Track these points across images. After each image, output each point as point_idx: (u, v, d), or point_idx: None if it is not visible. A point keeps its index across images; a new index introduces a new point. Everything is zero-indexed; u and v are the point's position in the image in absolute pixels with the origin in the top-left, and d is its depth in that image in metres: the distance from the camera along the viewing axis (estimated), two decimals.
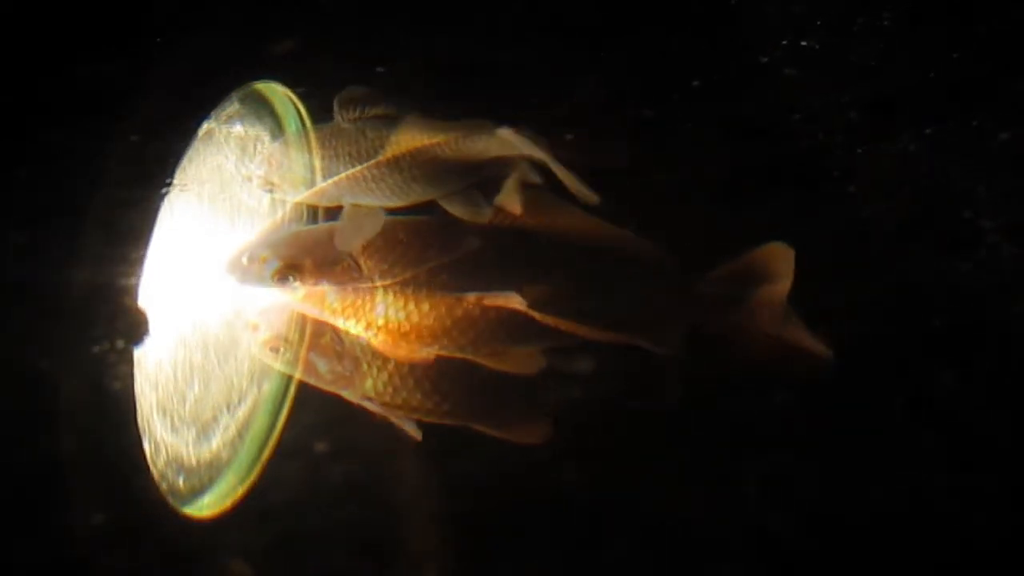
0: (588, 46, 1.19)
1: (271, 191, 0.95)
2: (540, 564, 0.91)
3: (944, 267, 1.00)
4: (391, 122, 0.95)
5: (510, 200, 0.92)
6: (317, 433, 0.96)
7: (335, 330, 0.88)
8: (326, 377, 0.89)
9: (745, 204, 1.04)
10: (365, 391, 0.88)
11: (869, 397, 0.93)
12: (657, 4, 1.25)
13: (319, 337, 0.88)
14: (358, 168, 0.93)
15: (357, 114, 0.95)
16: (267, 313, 0.91)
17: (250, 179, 0.95)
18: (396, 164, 0.93)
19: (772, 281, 0.87)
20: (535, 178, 0.94)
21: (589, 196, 0.90)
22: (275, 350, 0.89)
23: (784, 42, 1.19)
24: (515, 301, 0.84)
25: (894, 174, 1.06)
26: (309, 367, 0.89)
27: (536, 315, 0.84)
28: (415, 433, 0.88)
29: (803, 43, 1.20)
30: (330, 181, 0.93)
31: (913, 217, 1.03)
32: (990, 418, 0.91)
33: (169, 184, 0.96)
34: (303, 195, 0.95)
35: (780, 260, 0.87)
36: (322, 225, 0.93)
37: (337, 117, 0.96)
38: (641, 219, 0.93)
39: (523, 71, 1.13)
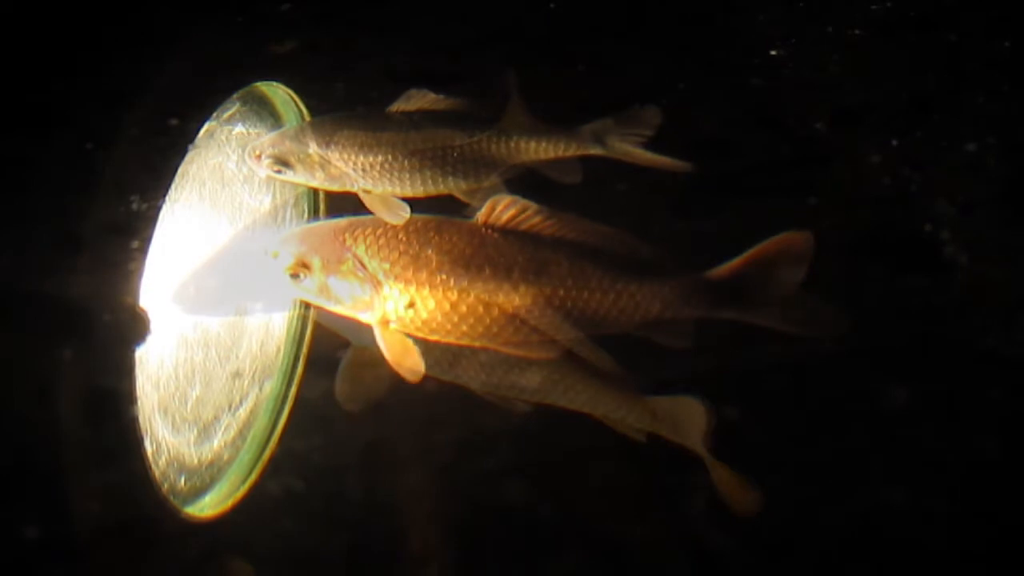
0: (549, 56, 1.21)
1: (280, 172, 0.94)
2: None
3: (902, 281, 1.01)
4: (449, 117, 0.95)
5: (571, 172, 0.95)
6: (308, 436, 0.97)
7: (355, 255, 0.88)
8: (346, 303, 0.89)
9: (705, 216, 1.05)
10: (385, 314, 0.88)
11: (821, 414, 0.94)
12: (619, 15, 1.28)
13: (340, 263, 0.89)
14: (396, 156, 0.93)
15: (417, 105, 0.95)
16: (288, 239, 0.90)
17: (259, 157, 0.94)
18: (441, 156, 0.93)
19: (785, 267, 0.87)
20: (576, 176, 0.96)
21: (682, 165, 0.96)
22: (296, 276, 0.89)
23: (750, 53, 1.23)
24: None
25: (856, 186, 1.08)
26: (329, 292, 0.89)
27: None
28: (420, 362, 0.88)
29: (772, 52, 1.24)
30: (358, 167, 0.93)
31: (873, 230, 1.05)
32: (944, 436, 0.92)
33: (170, 184, 0.95)
34: (317, 178, 0.94)
35: (795, 247, 0.87)
36: (333, 220, 0.92)
37: (394, 106, 0.96)
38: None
39: (485, 81, 1.14)
